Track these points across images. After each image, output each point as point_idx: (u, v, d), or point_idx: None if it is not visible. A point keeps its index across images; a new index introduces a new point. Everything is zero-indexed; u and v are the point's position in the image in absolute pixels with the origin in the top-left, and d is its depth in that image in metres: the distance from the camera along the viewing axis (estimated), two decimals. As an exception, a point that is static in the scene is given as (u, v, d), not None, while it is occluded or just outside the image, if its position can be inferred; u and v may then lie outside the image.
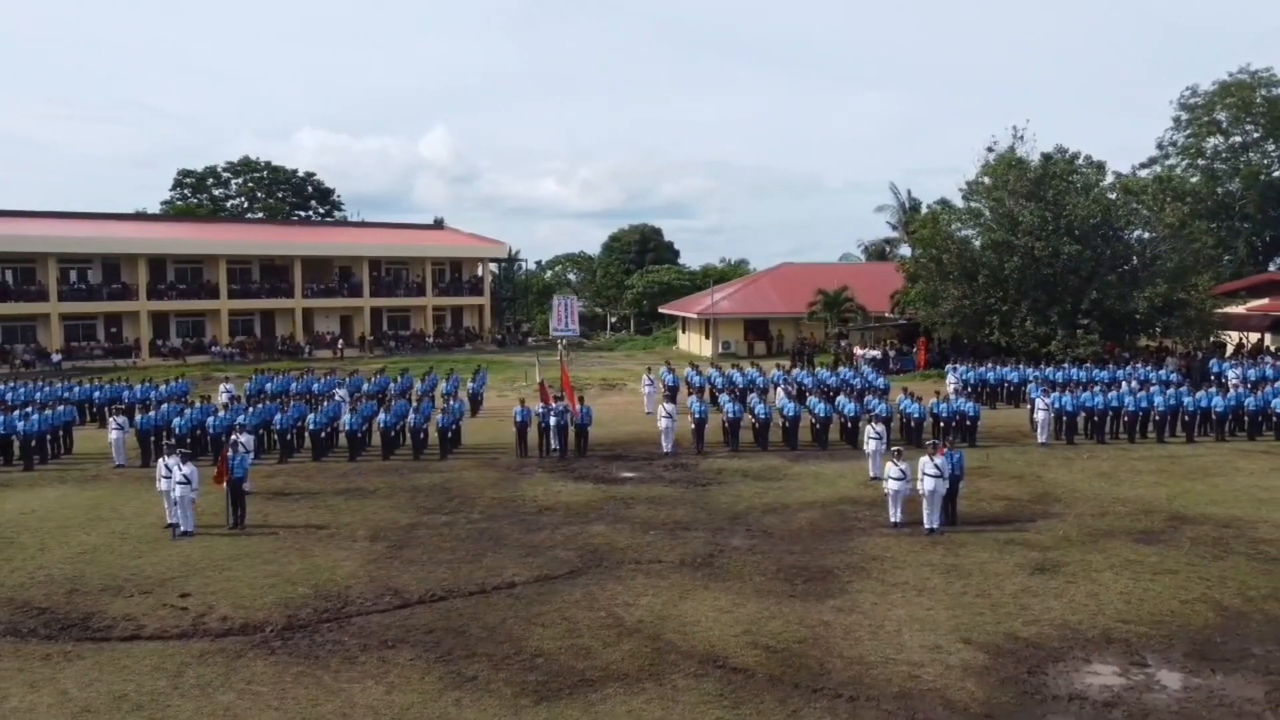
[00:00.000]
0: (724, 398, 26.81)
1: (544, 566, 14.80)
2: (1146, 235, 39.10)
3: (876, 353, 42.35)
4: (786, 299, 52.29)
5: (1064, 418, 25.57)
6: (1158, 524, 17.01)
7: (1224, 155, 58.93)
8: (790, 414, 25.20)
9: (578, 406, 24.37)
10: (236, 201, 76.59)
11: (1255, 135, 57.84)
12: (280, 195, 76.13)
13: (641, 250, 78.83)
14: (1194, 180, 57.57)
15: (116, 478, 22.08)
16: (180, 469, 16.67)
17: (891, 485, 17.11)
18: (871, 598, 13.18)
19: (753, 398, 26.54)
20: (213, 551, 15.71)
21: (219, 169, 75.10)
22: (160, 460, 17.43)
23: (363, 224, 72.52)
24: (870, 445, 20.96)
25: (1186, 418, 25.96)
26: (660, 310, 64.13)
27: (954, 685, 10.39)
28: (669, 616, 12.50)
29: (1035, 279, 37.22)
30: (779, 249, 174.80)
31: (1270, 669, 10.74)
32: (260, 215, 74.59)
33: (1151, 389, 27.08)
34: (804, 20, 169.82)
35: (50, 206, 55.61)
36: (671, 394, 30.76)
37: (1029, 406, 27.07)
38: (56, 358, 47.27)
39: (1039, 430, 25.43)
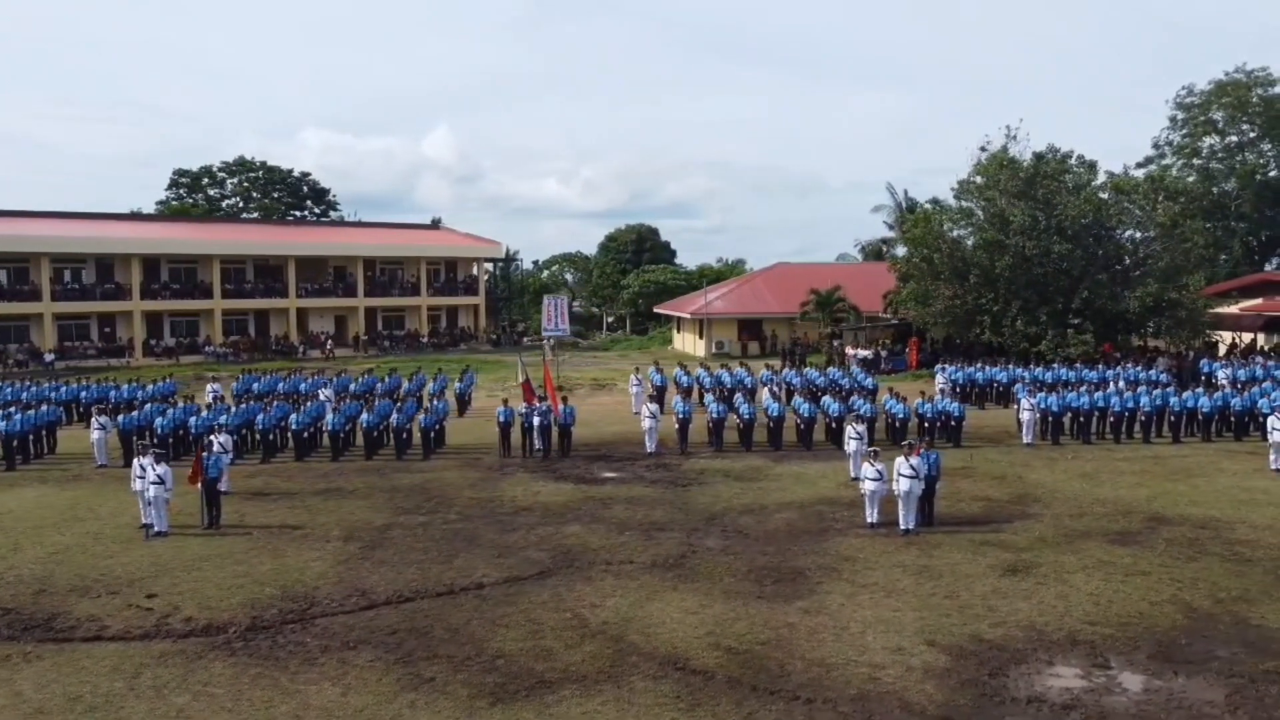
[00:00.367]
0: (708, 398, 26.75)
1: (515, 567, 14.75)
2: (1138, 235, 39.03)
3: (868, 353, 42.29)
4: (780, 299, 52.25)
5: (1049, 418, 25.51)
6: (1135, 525, 16.94)
7: (1220, 155, 58.90)
8: (775, 414, 25.15)
9: (560, 406, 24.32)
10: (232, 201, 76.62)
11: (1251, 135, 57.80)
12: (276, 195, 76.12)
13: (638, 250, 78.79)
14: (1190, 180, 57.48)
15: (98, 478, 22.05)
16: (154, 469, 16.64)
17: (868, 486, 17.05)
18: (839, 599, 13.12)
19: (737, 398, 26.49)
20: (184, 552, 15.67)
21: (214, 169, 75.14)
22: (135, 460, 17.39)
23: (357, 224, 72.59)
24: (851, 445, 20.90)
25: (1173, 418, 25.88)
26: (655, 310, 64.11)
27: (913, 687, 10.32)
28: (634, 618, 12.45)
29: (1026, 278, 37.15)
30: (782, 249, 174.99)
31: (1233, 671, 10.67)
32: (256, 215, 74.63)
33: (1139, 389, 27.01)
34: (806, 20, 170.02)
35: (54, 206, 55.83)
36: (660, 394, 30.78)
37: (1016, 407, 27.00)
38: (50, 358, 47.27)
39: (1024, 431, 25.36)
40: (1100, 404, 25.98)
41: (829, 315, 46.14)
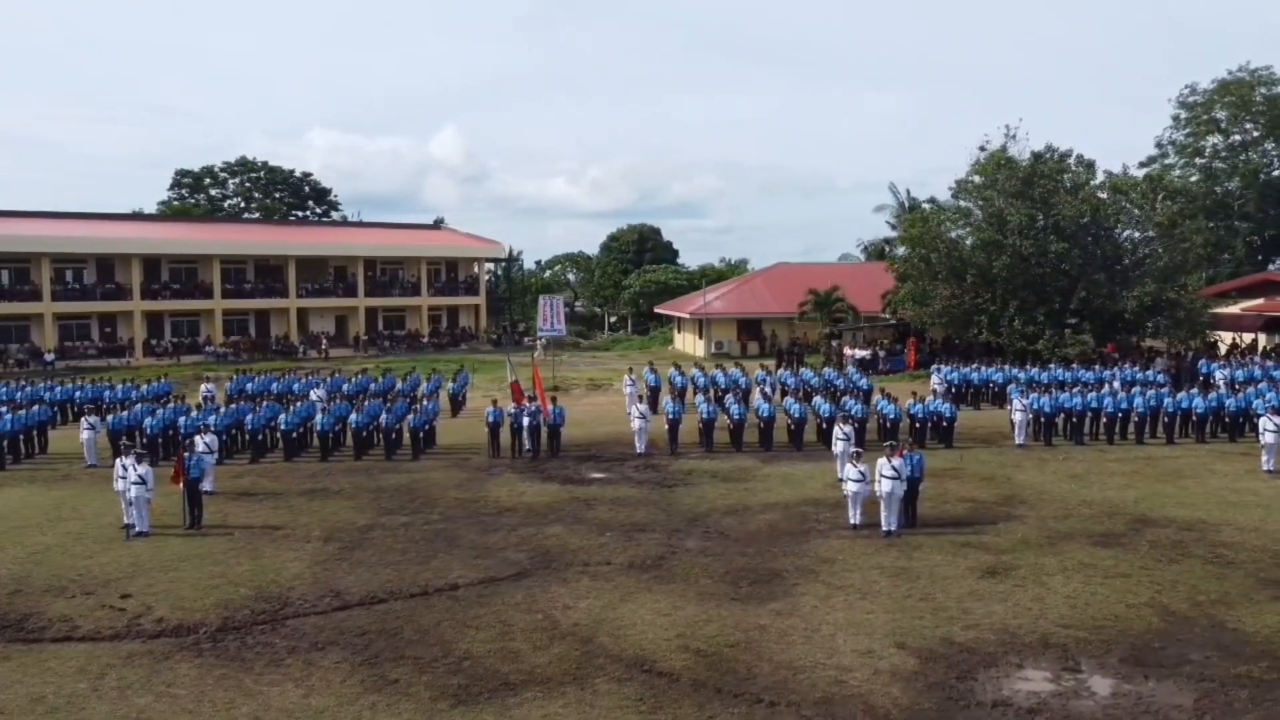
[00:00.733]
0: (699, 398, 26.67)
1: (491, 568, 14.70)
2: (1137, 234, 38.83)
3: (866, 353, 42.16)
4: (780, 299, 52.10)
5: (1041, 419, 25.38)
6: (1120, 526, 16.82)
7: (1223, 154, 58.52)
8: (765, 414, 25.09)
9: (549, 407, 24.28)
10: (234, 201, 76.79)
11: (1255, 134, 57.42)
12: (278, 195, 76.28)
13: (640, 250, 78.72)
14: (1194, 179, 57.21)
15: (86, 478, 22.06)
16: (135, 469, 16.64)
17: (851, 487, 16.96)
18: (814, 601, 13.04)
19: (728, 398, 26.43)
20: (163, 552, 15.67)
21: (216, 169, 75.32)
22: (117, 460, 17.39)
23: (358, 224, 72.70)
24: (839, 446, 20.81)
25: (1166, 419, 25.72)
26: (656, 310, 64.05)
27: (878, 691, 10.25)
28: (605, 619, 12.39)
29: (1023, 278, 37.00)
30: (789, 249, 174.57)
31: (1204, 676, 10.56)
32: (258, 215, 74.78)
33: (1133, 390, 26.86)
34: (814, 20, 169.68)
35: (61, 207, 56.10)
36: (654, 394, 30.75)
37: (1009, 408, 26.87)
38: (50, 357, 47.42)
39: (1016, 431, 25.22)
40: (1093, 405, 25.84)
41: (827, 315, 46.01)
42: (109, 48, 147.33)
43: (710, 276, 71.88)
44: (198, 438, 20.40)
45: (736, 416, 25.06)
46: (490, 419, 24.41)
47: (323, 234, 65.66)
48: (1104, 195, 38.37)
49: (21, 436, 24.29)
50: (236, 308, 54.58)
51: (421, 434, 24.48)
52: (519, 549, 15.76)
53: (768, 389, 28.52)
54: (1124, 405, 25.72)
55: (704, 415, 25.16)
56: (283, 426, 24.01)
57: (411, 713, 9.84)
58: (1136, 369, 31.27)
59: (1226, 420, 25.91)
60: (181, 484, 17.19)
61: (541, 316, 40.97)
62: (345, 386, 30.73)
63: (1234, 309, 41.57)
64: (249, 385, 31.06)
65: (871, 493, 16.78)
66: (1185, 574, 14.11)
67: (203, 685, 10.49)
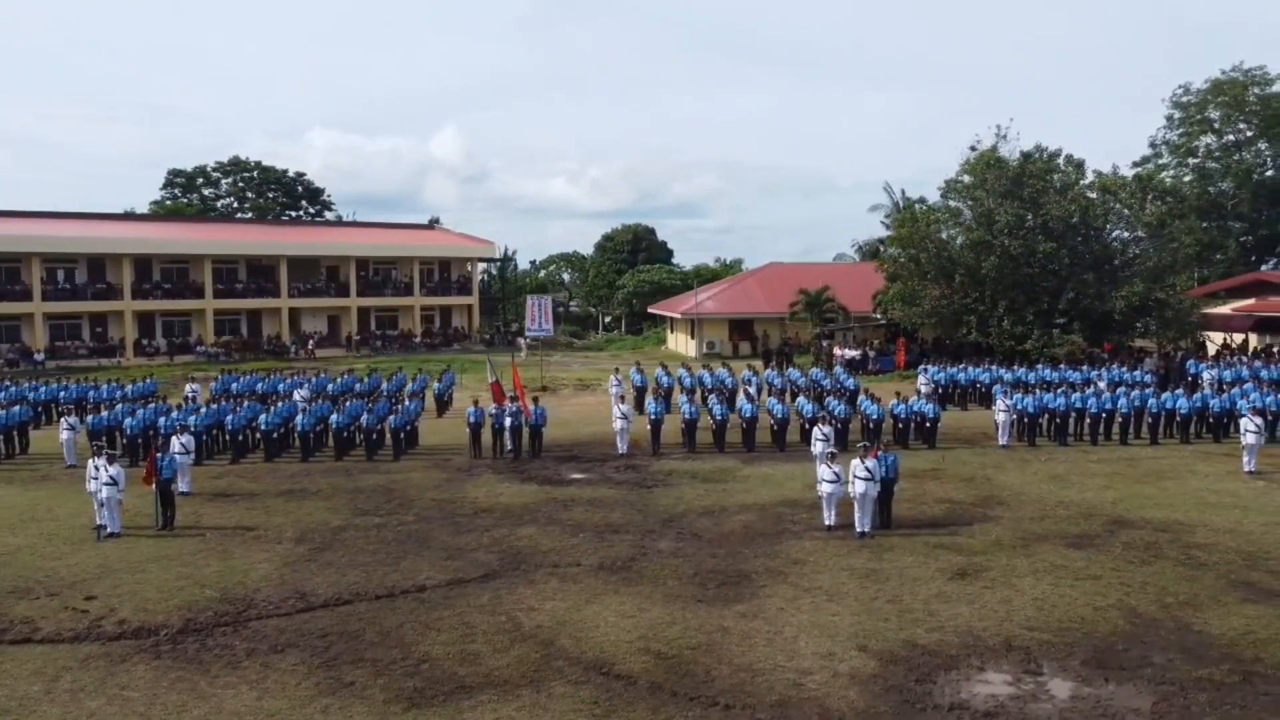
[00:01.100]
0: (682, 399, 26.59)
1: (460, 570, 14.64)
2: (1125, 234, 38.76)
3: (856, 353, 42.10)
4: (772, 299, 51.98)
5: (1025, 419, 25.32)
6: (1095, 528, 16.76)
7: (1216, 154, 58.45)
8: (748, 415, 25.02)
9: (530, 407, 24.21)
10: (227, 201, 76.68)
11: (1248, 134, 57.36)
12: (271, 195, 76.19)
13: (634, 250, 78.65)
14: (1187, 179, 57.16)
15: (65, 478, 21.97)
16: (107, 470, 16.57)
17: (825, 488, 16.89)
18: (780, 603, 12.98)
19: (710, 399, 26.37)
20: (132, 553, 15.60)
21: (209, 169, 75.21)
22: (90, 461, 17.33)
23: (351, 224, 72.63)
24: (818, 447, 20.72)
25: (1151, 420, 25.66)
26: (649, 310, 63.99)
27: (836, 694, 10.18)
28: (569, 621, 12.33)
29: (1012, 278, 36.92)
30: (788, 249, 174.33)
31: (1165, 679, 10.50)
32: (250, 215, 74.67)
33: (1117, 390, 26.80)
34: (814, 20, 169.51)
35: (61, 207, 56.05)
36: (640, 395, 30.68)
37: (994, 408, 26.80)
38: (40, 357, 47.37)
39: (1000, 432, 25.16)
40: (1077, 405, 25.77)
41: (818, 316, 45.93)
42: (109, 47, 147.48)
43: (705, 276, 71.78)
44: (174, 438, 20.30)
45: (719, 417, 24.99)
46: (471, 419, 24.35)
47: (315, 234, 65.54)
48: (1093, 195, 38.27)
49: (1, 437, 24.20)
50: (228, 308, 54.49)
51: (403, 434, 24.41)
52: (490, 550, 15.70)
53: (752, 389, 28.42)
54: (1108, 406, 25.66)
55: (686, 416, 25.10)
56: (263, 427, 23.92)
57: (363, 716, 9.78)
58: (1124, 369, 31.20)
59: (1211, 421, 25.83)
60: (154, 485, 17.12)
61: (529, 316, 40.91)
62: (330, 387, 30.64)
63: (1225, 309, 41.50)
64: (234, 385, 30.97)
65: (846, 494, 16.72)
66: (1156, 576, 14.04)
67: (156, 688, 10.43)
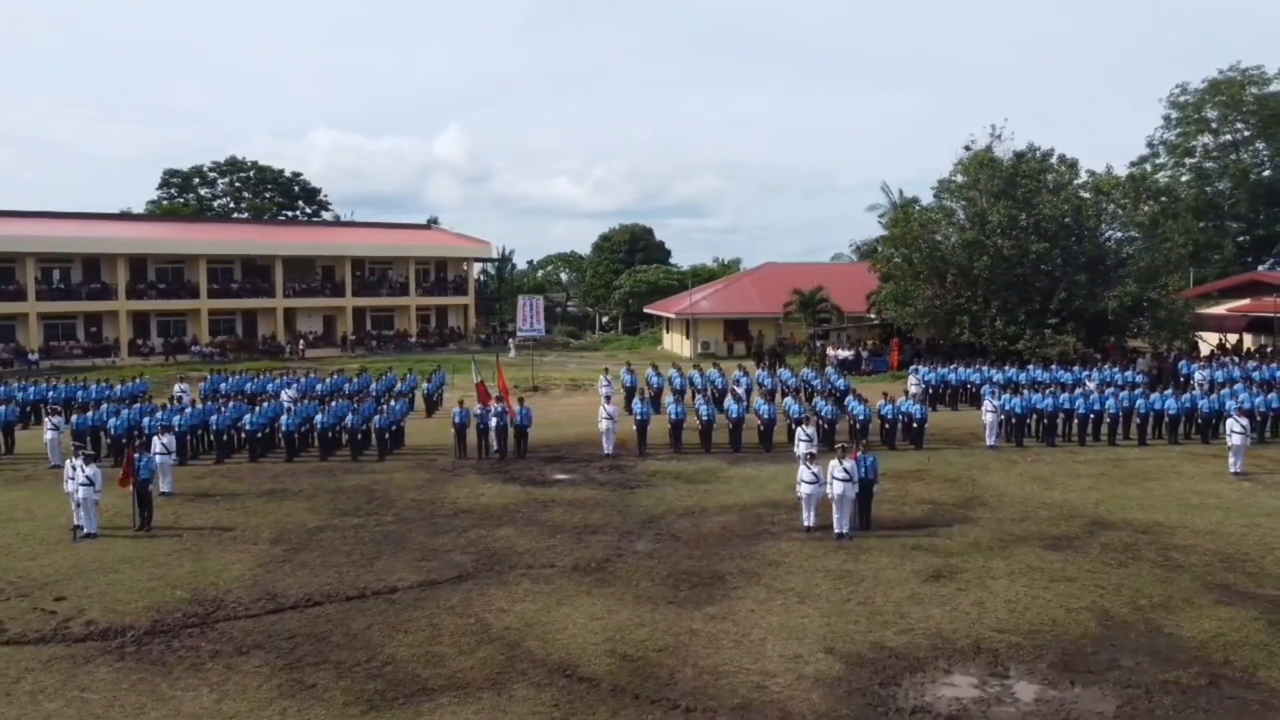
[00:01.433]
0: (669, 399, 26.51)
1: (434, 571, 14.59)
2: (1118, 234, 38.66)
3: (849, 354, 42.03)
4: (767, 299, 51.91)
5: (1013, 420, 25.23)
6: (1075, 529, 16.67)
7: (1214, 154, 58.34)
8: (734, 415, 24.96)
9: (515, 407, 24.16)
10: (223, 201, 76.70)
11: (1245, 134, 57.26)
12: (268, 195, 76.20)
13: (631, 250, 78.61)
14: (1184, 179, 57.05)
15: (49, 478, 21.88)
16: (83, 470, 16.54)
17: (804, 489, 16.82)
18: (751, 604, 12.91)
19: (698, 399, 26.30)
20: (107, 554, 15.56)
21: (205, 168, 75.23)
22: (67, 461, 17.30)
23: (346, 223, 72.62)
24: (801, 448, 20.62)
25: (1139, 420, 25.56)
26: (645, 310, 63.93)
27: (798, 697, 10.12)
28: (537, 623, 12.27)
29: (1005, 278, 36.83)
30: (792, 248, 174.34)
31: (1131, 682, 10.42)
32: (247, 215, 74.67)
33: (1106, 391, 26.70)
34: (818, 19, 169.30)
35: (55, 207, 56.05)
36: (629, 395, 30.60)
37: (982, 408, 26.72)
38: (34, 357, 47.38)
39: (987, 433, 25.07)
40: (1065, 406, 25.68)
41: (811, 316, 45.86)
42: (113, 47, 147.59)
43: (702, 276, 71.73)
44: (155, 438, 20.27)
45: (705, 417, 24.92)
46: (457, 420, 24.30)
47: (310, 234, 65.54)
48: (1086, 195, 38.19)
49: (-14, 437, 24.18)
50: (223, 307, 54.50)
51: (388, 435, 24.36)
52: (465, 551, 15.64)
53: (741, 390, 28.34)
54: (1095, 406, 25.56)
55: (672, 416, 25.04)
56: (248, 427, 23.88)
57: (321, 718, 9.72)
58: (1115, 369, 31.10)
59: (1200, 422, 25.72)
60: (131, 486, 17.08)
61: (521, 317, 40.85)
62: (319, 387, 30.59)
63: (1219, 309, 41.39)
64: (223, 385, 30.94)
65: (825, 495, 16.65)
66: (1131, 577, 13.96)
67: (117, 690, 10.38)
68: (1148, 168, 56.70)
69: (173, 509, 18.54)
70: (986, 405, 25.36)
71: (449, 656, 11.25)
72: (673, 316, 55.12)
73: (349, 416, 24.35)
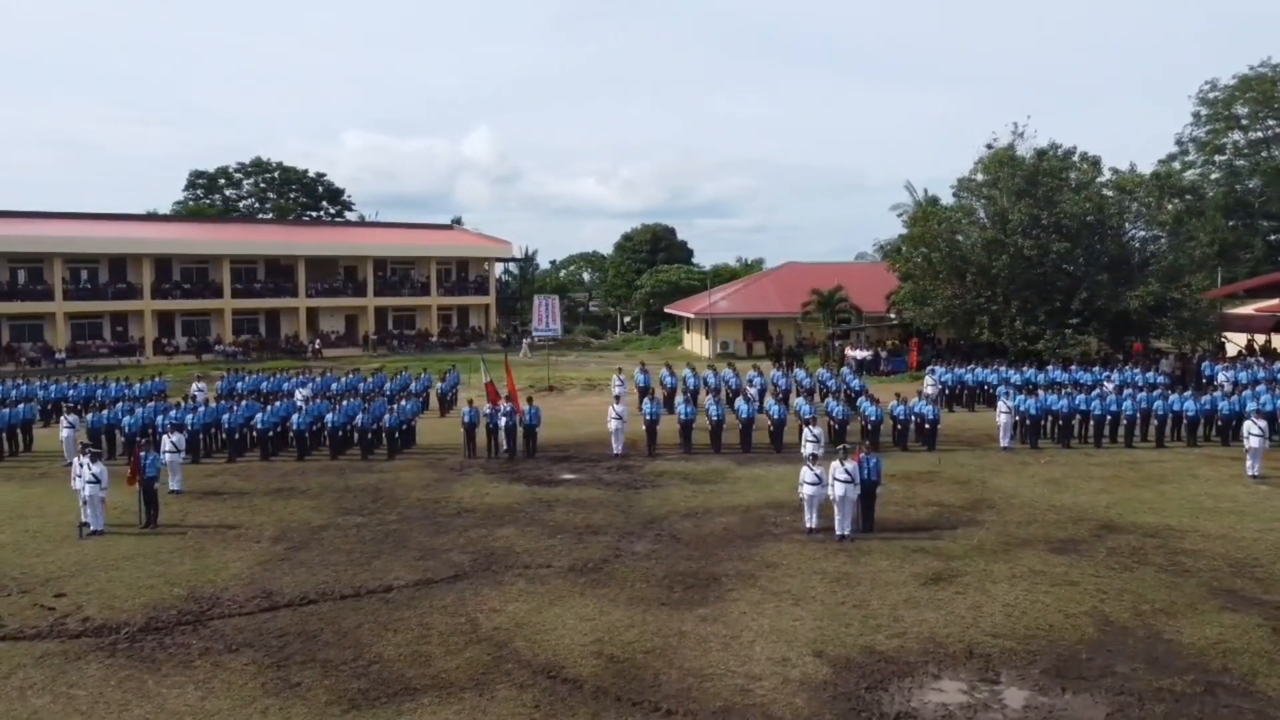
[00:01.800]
0: (678, 399, 26.40)
1: (431, 570, 14.60)
2: (1142, 233, 38.06)
3: (867, 354, 41.70)
4: (786, 299, 51.59)
5: (1027, 421, 24.89)
6: (1082, 533, 16.40)
7: (1244, 151, 57.27)
8: (744, 416, 24.82)
9: (524, 407, 24.16)
10: (248, 202, 77.43)
11: (1276, 130, 56.12)
12: (292, 195, 76.84)
13: (653, 250, 78.49)
14: (1214, 177, 56.09)
15: (63, 475, 21.93)
16: (90, 468, 16.72)
17: (806, 490, 16.68)
18: (744, 606, 12.80)
19: (708, 399, 26.19)
20: (111, 551, 15.71)
21: (230, 169, 76.02)
22: (75, 459, 17.50)
23: (368, 224, 73.08)
24: (808, 448, 20.47)
25: (1157, 422, 25.14)
26: (666, 310, 63.83)
27: (782, 701, 10.00)
28: (527, 624, 12.23)
29: (1024, 278, 36.37)
30: (820, 248, 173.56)
31: (1124, 689, 10.21)
32: (271, 215, 75.35)
33: (1123, 392, 26.29)
34: (848, 16, 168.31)
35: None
36: (642, 394, 30.52)
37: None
38: (61, 356, 48.09)
39: (1001, 434, 24.75)
40: (1081, 407, 25.29)
41: (830, 315, 45.55)
42: (149, 51, 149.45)
43: (724, 276, 71.44)
44: (165, 437, 20.48)
45: (715, 417, 24.80)
46: (466, 419, 24.35)
47: (333, 234, 66.03)
48: (1109, 193, 37.61)
49: (4, 434, 24.53)
50: (246, 307, 55.03)
51: (398, 434, 24.45)
52: (465, 551, 15.64)
53: (753, 390, 28.18)
54: (1112, 408, 25.17)
55: (682, 416, 24.95)
56: (259, 426, 24.05)
57: (302, 717, 9.74)
58: (1136, 370, 30.62)
59: (1219, 424, 25.25)
60: (137, 484, 17.24)
61: (537, 317, 40.91)
62: (334, 386, 30.78)
63: (1247, 309, 40.63)
64: (239, 384, 31.20)
65: (827, 496, 16.49)
66: (1135, 582, 13.70)
67: (104, 686, 10.46)
68: (1176, 165, 55.74)
69: (180, 507, 18.71)
70: (1000, 406, 25.04)
71: (436, 656, 11.24)
72: (692, 316, 54.97)
73: (359, 415, 24.45)
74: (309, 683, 10.53)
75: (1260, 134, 56.75)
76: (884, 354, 42.43)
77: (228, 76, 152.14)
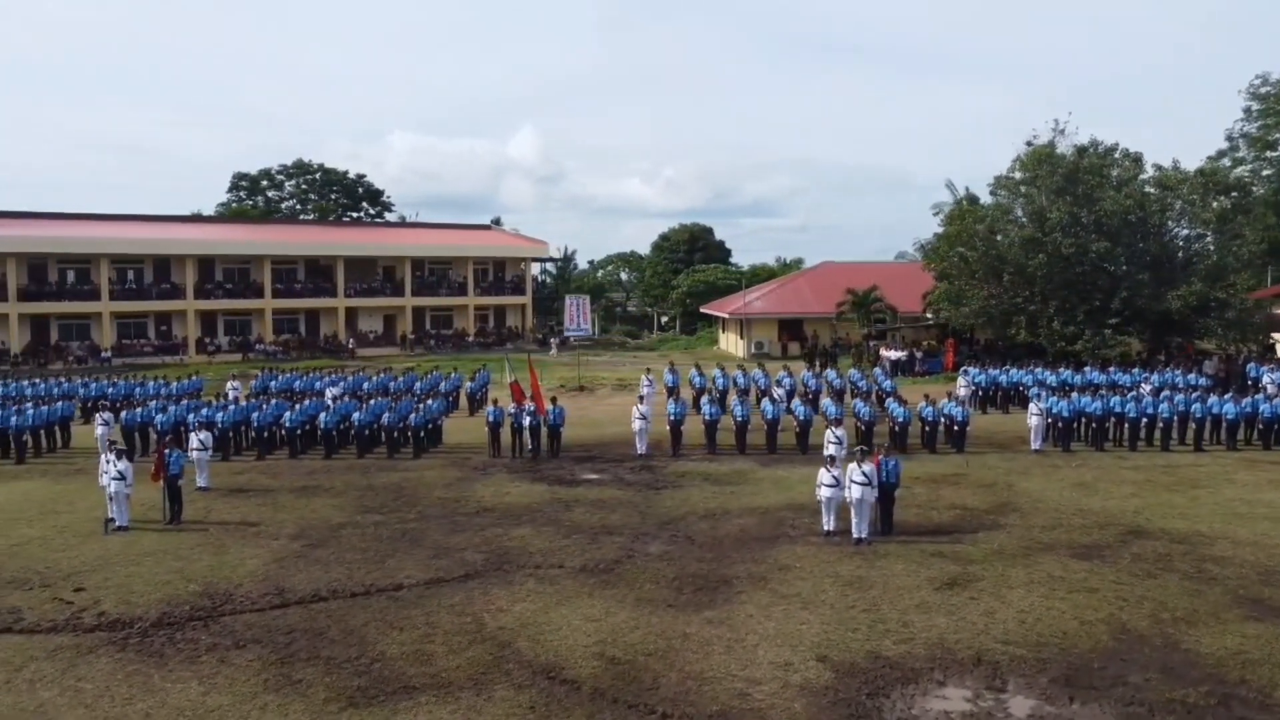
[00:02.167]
0: (704, 400, 26.26)
1: (443, 569, 14.64)
2: (1186, 231, 37.15)
3: (902, 354, 41.20)
4: (822, 298, 51.17)
5: (1059, 423, 24.40)
6: (1108, 538, 16.02)
7: (1298, 146, 55.54)
8: (770, 416, 24.62)
9: (547, 407, 24.18)
10: (290, 203, 78.56)
11: (1331, 125, 54.38)
12: (333, 196, 77.83)
13: (691, 249, 78.31)
14: (1265, 174, 54.51)
15: (96, 472, 22.59)
16: (115, 465, 17.03)
17: (824, 492, 16.49)
18: (751, 609, 12.66)
19: (733, 399, 26.03)
20: (133, 547, 15.98)
21: (273, 171, 77.19)
22: (102, 456, 17.84)
23: (407, 224, 73.77)
24: (830, 449, 20.25)
25: (1195, 425, 24.51)
26: (701, 310, 63.63)
27: (779, 706, 9.87)
28: (532, 624, 12.21)
29: (1063, 277, 35.68)
30: (865, 248, 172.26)
31: (1134, 699, 9.93)
32: (313, 216, 76.37)
33: (1161, 394, 25.67)
34: (894, 13, 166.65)
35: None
36: (671, 394, 30.44)
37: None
38: (107, 355, 49.16)
39: (1033, 436, 24.28)
40: (1116, 409, 24.73)
41: (865, 315, 45.08)
42: (207, 56, 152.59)
43: (761, 276, 71.10)
44: (193, 434, 20.81)
45: (740, 418, 24.64)
46: (491, 419, 24.45)
47: (371, 234, 66.78)
48: (1152, 191, 36.77)
49: (42, 431, 25.09)
50: (287, 307, 55.82)
51: (424, 433, 24.61)
52: (479, 550, 15.67)
53: (781, 391, 27.95)
54: (1148, 410, 24.57)
55: (707, 417, 24.81)
56: (287, 424, 24.34)
57: (300, 714, 9.80)
58: (1177, 372, 29.89)
59: (1261, 427, 24.55)
60: (161, 480, 17.53)
61: (568, 317, 40.97)
62: (366, 385, 31.07)
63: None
64: (272, 383, 31.62)
65: (844, 498, 16.29)
66: (1157, 589, 13.34)
67: (111, 680, 10.62)
68: (1226, 162, 54.27)
69: (206, 504, 18.99)
70: (1032, 408, 24.58)
71: (438, 655, 11.26)
72: (727, 316, 54.74)
73: (385, 415, 24.64)
74: (310, 680, 10.60)
75: (1315, 129, 55.02)
76: (919, 354, 41.88)
77: (278, 81, 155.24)
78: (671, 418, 24.59)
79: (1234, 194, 36.68)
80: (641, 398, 25.68)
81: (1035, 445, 24.13)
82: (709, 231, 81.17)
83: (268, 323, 54.62)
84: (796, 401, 25.86)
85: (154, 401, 26.46)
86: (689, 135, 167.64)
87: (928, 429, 24.40)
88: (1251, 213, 36.99)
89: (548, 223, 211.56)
